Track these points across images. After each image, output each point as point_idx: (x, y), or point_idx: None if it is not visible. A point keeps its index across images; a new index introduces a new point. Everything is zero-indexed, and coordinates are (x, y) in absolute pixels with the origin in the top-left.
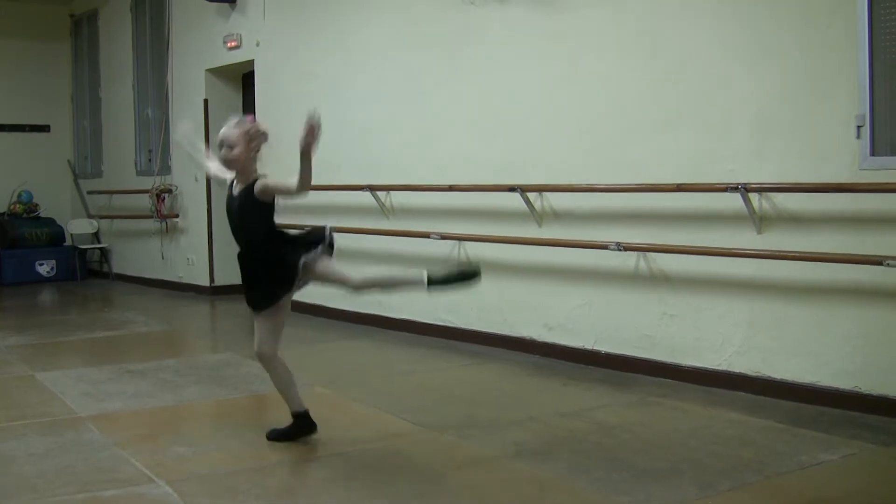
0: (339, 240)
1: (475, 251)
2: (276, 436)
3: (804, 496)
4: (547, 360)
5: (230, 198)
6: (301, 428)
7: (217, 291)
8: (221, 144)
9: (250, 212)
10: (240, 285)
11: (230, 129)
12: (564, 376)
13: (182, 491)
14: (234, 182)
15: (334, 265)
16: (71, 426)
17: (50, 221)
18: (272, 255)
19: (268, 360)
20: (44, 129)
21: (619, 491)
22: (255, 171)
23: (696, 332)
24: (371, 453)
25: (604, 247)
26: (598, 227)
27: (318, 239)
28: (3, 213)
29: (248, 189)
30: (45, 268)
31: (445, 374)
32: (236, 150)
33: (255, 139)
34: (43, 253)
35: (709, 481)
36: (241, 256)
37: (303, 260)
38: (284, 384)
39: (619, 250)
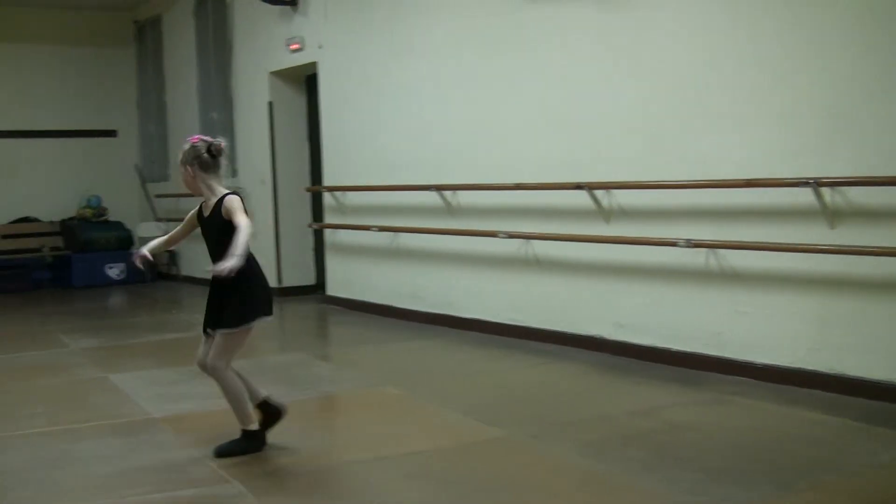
0: (406, 239)
1: (542, 249)
2: (223, 452)
3: (883, 495)
4: (616, 358)
5: (203, 218)
6: (251, 444)
7: (284, 293)
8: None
9: (225, 231)
10: (307, 286)
11: (182, 151)
12: (634, 375)
13: (256, 491)
14: (203, 203)
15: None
16: (144, 427)
17: (118, 225)
18: (245, 277)
19: (220, 373)
20: (111, 134)
21: (694, 491)
22: (213, 188)
23: (768, 329)
24: (442, 454)
25: (672, 244)
26: (667, 224)
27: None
28: (73, 218)
29: (218, 208)
30: (114, 271)
31: (515, 374)
32: (182, 176)
33: (192, 161)
34: (112, 256)
35: (785, 481)
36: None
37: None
38: (236, 397)
39: (689, 247)
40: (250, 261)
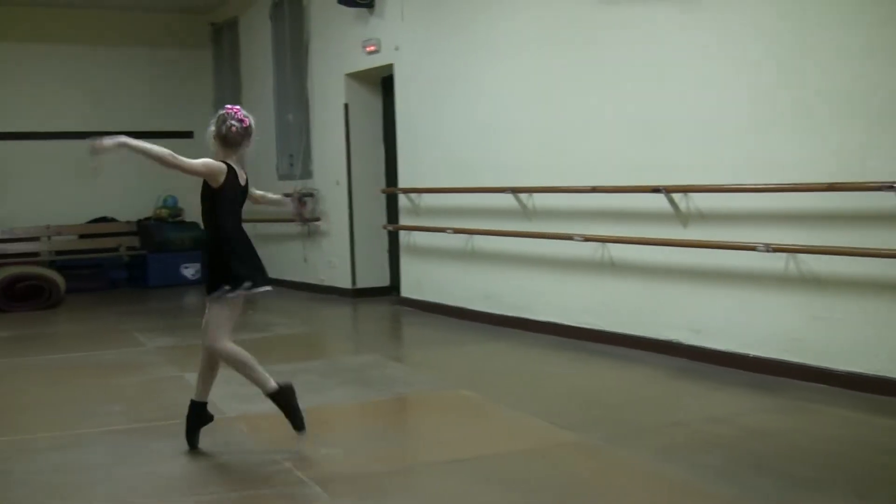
0: (481, 242)
1: (618, 253)
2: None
3: None
4: (693, 363)
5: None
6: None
7: (359, 294)
8: None
9: (205, 198)
10: (381, 288)
11: None
12: (710, 380)
13: (332, 491)
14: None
15: (224, 317)
16: (221, 427)
17: (194, 226)
18: (219, 248)
19: (218, 350)
20: (187, 135)
21: (771, 499)
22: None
23: (848, 335)
24: (517, 457)
25: (752, 248)
26: (745, 228)
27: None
28: (150, 218)
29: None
30: (189, 271)
31: (590, 378)
32: None
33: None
34: (187, 256)
35: (865, 491)
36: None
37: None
38: (246, 366)
39: (768, 251)
40: (230, 234)
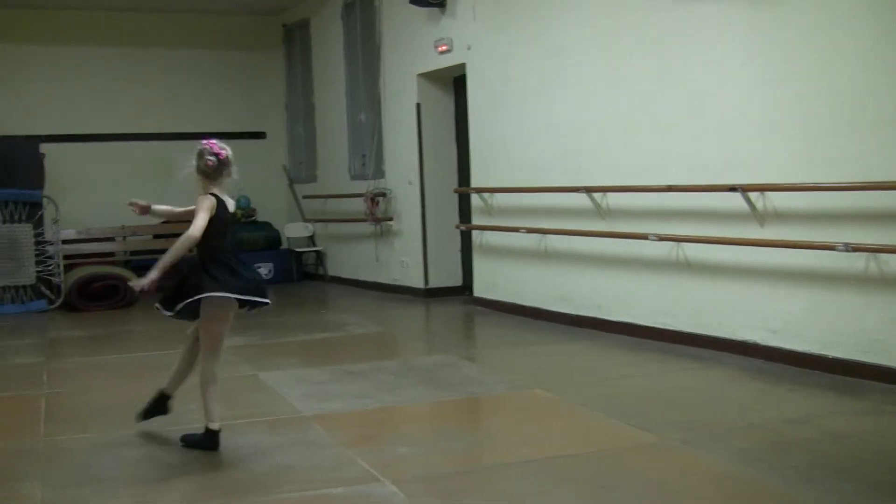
0: (554, 242)
1: (693, 252)
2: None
3: None
4: (769, 364)
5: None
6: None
7: (431, 294)
8: None
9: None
10: (454, 287)
11: None
12: (789, 381)
13: (408, 491)
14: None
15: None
16: (295, 425)
17: (267, 226)
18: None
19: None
20: (260, 136)
21: (853, 503)
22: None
23: None
24: (592, 457)
25: (831, 248)
26: (824, 227)
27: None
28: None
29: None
30: (262, 270)
31: (665, 379)
32: None
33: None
34: (261, 256)
35: None
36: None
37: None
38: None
39: (847, 251)
40: (216, 254)
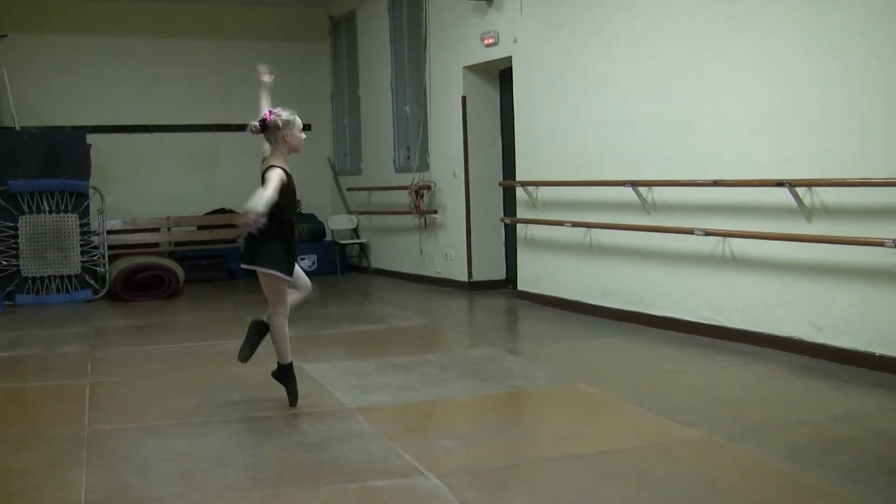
0: (599, 236)
1: (739, 248)
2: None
3: None
4: (816, 361)
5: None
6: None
7: (475, 287)
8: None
9: None
10: (497, 280)
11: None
12: (836, 379)
13: (451, 484)
14: (286, 166)
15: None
16: (340, 417)
17: (311, 217)
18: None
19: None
20: (305, 128)
21: None
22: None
23: None
24: (638, 453)
25: (879, 244)
26: (873, 223)
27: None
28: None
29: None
30: (306, 262)
31: (711, 374)
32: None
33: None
34: (305, 248)
35: None
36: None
37: None
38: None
39: None
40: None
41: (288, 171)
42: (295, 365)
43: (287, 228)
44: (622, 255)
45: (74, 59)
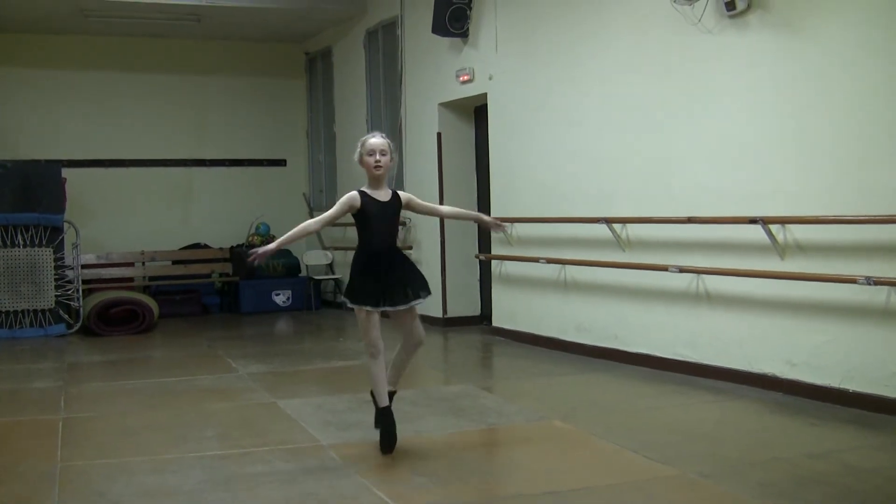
0: (574, 272)
1: (713, 284)
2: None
3: None
4: (790, 397)
5: (381, 204)
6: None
7: (450, 323)
8: (375, 151)
9: (398, 218)
10: (472, 317)
11: (382, 138)
12: (810, 415)
13: None
14: (371, 190)
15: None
16: (314, 453)
17: (286, 253)
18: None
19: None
20: (280, 163)
21: None
22: None
23: None
24: (612, 490)
25: (852, 281)
26: (846, 260)
27: None
28: (243, 245)
29: (396, 197)
30: (281, 297)
31: (685, 411)
32: (388, 157)
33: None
34: (280, 283)
35: None
36: (384, 256)
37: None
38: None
39: (870, 284)
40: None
41: (370, 193)
42: (266, 401)
43: (370, 256)
44: (597, 291)
45: (50, 93)
